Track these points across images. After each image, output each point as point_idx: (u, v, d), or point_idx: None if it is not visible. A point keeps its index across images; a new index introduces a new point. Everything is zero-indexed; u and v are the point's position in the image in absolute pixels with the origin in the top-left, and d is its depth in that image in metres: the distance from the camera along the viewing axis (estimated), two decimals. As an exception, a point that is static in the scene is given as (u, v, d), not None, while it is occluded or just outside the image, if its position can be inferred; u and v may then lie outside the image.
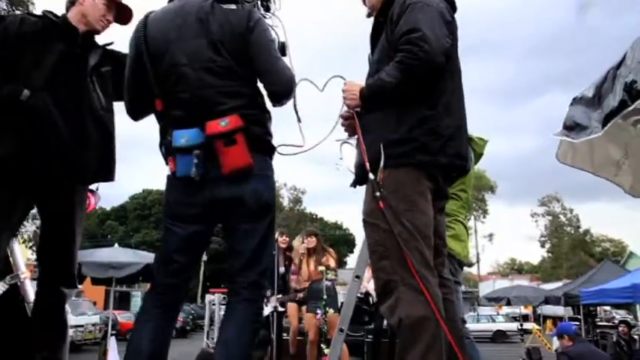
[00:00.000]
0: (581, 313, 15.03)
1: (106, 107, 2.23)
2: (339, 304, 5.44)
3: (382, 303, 1.83)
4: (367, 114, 1.97)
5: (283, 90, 1.94)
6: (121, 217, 42.64)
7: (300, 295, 5.91)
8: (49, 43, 2.13)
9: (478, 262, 40.10)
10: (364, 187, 1.96)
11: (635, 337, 11.84)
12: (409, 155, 1.84)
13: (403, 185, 1.83)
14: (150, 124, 2.08)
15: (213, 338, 6.25)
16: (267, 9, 2.11)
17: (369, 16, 2.18)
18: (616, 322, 17.42)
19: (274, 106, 1.98)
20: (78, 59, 2.17)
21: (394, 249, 1.77)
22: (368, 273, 4.76)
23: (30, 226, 14.25)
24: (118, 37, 2.35)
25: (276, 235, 6.00)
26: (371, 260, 1.92)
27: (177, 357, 5.02)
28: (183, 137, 1.82)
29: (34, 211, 2.29)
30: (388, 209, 1.80)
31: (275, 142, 1.99)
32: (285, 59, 2.00)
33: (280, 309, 6.15)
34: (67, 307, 2.30)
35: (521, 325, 19.25)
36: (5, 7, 14.24)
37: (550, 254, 48.14)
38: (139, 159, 58.16)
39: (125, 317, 18.57)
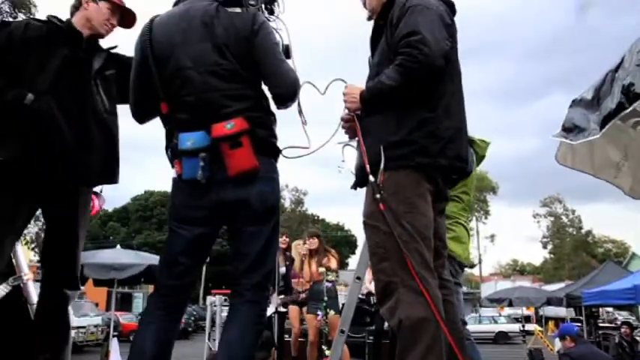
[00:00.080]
0: (583, 314, 15.01)
1: (109, 110, 2.25)
2: (340, 305, 5.46)
3: (382, 305, 1.83)
4: (367, 117, 1.98)
5: (288, 92, 1.95)
6: (123, 218, 42.71)
7: (303, 295, 5.92)
8: (54, 47, 2.15)
9: (480, 263, 40.08)
10: (365, 189, 1.97)
11: (638, 338, 11.80)
12: (408, 157, 1.85)
13: (403, 187, 1.84)
14: (151, 126, 2.11)
15: (214, 340, 6.26)
16: (271, 12, 2.12)
17: (369, 19, 2.19)
18: (618, 323, 17.39)
19: (279, 108, 1.99)
20: (82, 63, 2.19)
21: (394, 251, 1.78)
22: (369, 274, 4.77)
23: (32, 228, 14.27)
24: (122, 41, 2.38)
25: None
26: (371, 262, 1.93)
27: (179, 358, 5.02)
28: (189, 140, 1.83)
29: (37, 212, 2.31)
30: (388, 211, 1.81)
31: (279, 144, 2.01)
32: (289, 62, 2.01)
33: (282, 309, 6.15)
34: (70, 308, 2.31)
35: (523, 326, 19.25)
36: (8, 10, 14.29)
37: (552, 255, 48.01)
38: (141, 160, 58.37)
39: (127, 318, 18.59)
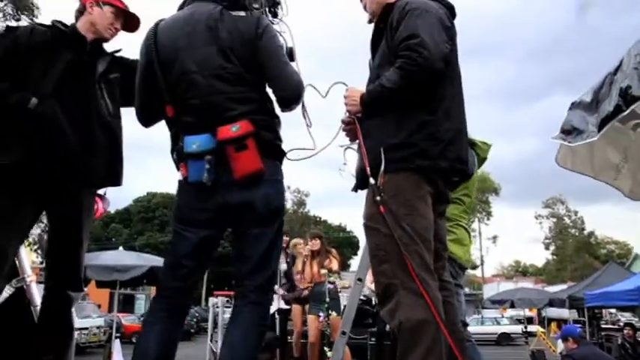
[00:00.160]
0: (585, 315, 14.97)
1: (113, 113, 2.26)
2: (342, 307, 5.46)
3: (383, 307, 1.84)
4: (368, 119, 2.00)
5: (292, 95, 1.96)
6: (125, 220, 42.74)
7: (305, 292, 5.92)
8: (58, 52, 2.17)
9: (482, 264, 40.00)
10: (365, 191, 1.99)
11: (640, 339, 11.77)
12: (408, 160, 1.86)
13: (403, 190, 1.85)
14: (153, 127, 2.12)
15: (216, 341, 6.27)
16: (275, 15, 2.14)
17: (370, 22, 2.20)
18: (621, 324, 17.32)
19: (283, 111, 2.00)
20: (86, 67, 2.21)
21: (394, 253, 1.79)
22: (370, 275, 4.78)
23: (35, 230, 14.31)
24: (126, 44, 2.40)
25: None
26: (372, 264, 1.94)
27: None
28: (194, 143, 1.84)
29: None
30: (388, 213, 1.82)
31: (284, 147, 2.01)
32: (293, 64, 2.02)
33: (285, 307, 6.16)
34: (73, 310, 2.33)
35: (526, 327, 19.18)
36: (11, 12, 14.35)
37: (554, 256, 47.82)
38: (144, 162, 58.39)
39: (129, 320, 18.61)
